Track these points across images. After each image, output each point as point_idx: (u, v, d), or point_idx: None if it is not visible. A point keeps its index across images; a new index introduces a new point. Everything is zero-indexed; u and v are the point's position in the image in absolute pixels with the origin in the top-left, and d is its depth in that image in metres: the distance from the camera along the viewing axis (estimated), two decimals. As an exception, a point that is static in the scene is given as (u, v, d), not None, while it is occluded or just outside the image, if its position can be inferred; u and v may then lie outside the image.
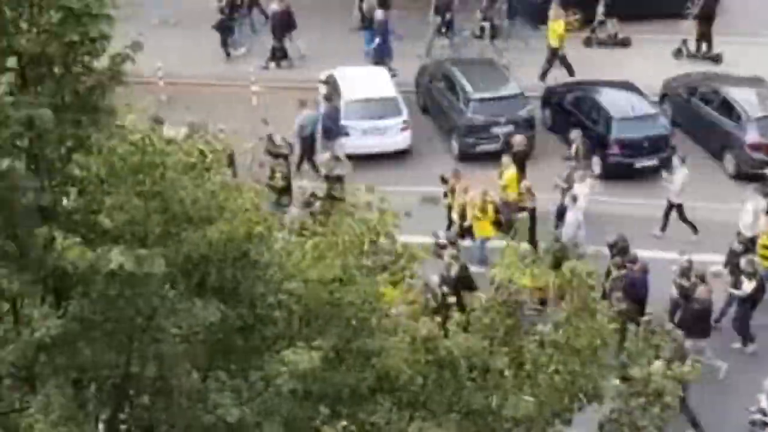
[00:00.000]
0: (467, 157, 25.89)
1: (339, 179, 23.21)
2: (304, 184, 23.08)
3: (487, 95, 26.62)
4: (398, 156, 26.12)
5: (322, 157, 24.79)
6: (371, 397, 10.93)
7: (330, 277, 10.64)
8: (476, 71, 27.86)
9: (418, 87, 28.37)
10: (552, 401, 11.87)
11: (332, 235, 11.08)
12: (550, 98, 27.66)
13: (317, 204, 20.66)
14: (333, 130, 25.70)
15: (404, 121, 26.43)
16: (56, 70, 10.39)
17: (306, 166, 25.22)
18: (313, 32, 29.51)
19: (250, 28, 30.26)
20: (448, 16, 29.88)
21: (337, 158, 24.18)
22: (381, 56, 28.91)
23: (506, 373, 11.62)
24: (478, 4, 30.41)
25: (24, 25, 10.30)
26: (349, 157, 25.04)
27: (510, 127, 25.89)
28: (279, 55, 29.14)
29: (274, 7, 29.29)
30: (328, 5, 31.02)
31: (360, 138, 26.08)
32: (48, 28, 10.26)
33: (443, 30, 29.84)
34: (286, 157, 24.03)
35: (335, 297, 10.64)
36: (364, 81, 27.27)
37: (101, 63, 10.48)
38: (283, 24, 29.11)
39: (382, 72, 27.76)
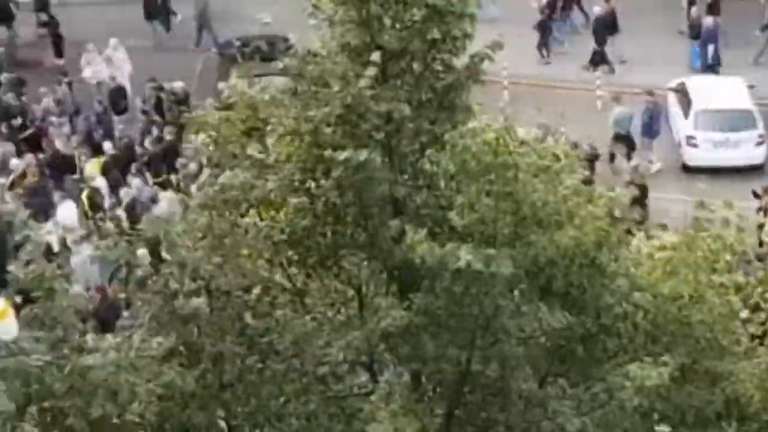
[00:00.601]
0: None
1: (643, 187, 22.88)
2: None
3: None
4: (751, 171, 25.40)
5: (627, 162, 24.53)
6: (716, 422, 10.85)
7: (681, 293, 10.63)
8: None
9: (777, 99, 27.45)
10: None
11: (687, 250, 11.04)
12: None
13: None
14: (652, 129, 25.51)
15: (760, 135, 25.71)
16: (416, 66, 11.01)
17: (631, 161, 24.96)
18: (638, 36, 29.14)
19: (570, 28, 30.32)
20: None
21: (637, 168, 23.81)
22: (709, 65, 28.26)
23: None
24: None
25: (388, 22, 10.98)
26: (698, 169, 24.57)
27: None
28: (597, 59, 29.05)
29: (597, 9, 29.22)
30: (654, 8, 30.54)
31: (710, 150, 25.60)
32: (411, 25, 10.89)
33: None
34: (591, 161, 23.92)
35: (684, 314, 10.63)
36: (718, 91, 26.73)
37: (460, 61, 10.99)
38: (607, 27, 28.99)
39: (738, 83, 27.10)
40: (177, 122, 26.17)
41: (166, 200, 23.47)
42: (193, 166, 24.02)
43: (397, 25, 10.95)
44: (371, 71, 10.64)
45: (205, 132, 11.73)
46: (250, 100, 11.57)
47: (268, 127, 11.40)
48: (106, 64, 28.19)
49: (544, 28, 29.70)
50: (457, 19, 10.81)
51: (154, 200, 23.77)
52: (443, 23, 10.78)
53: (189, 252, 10.80)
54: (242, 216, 11.31)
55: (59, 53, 30.33)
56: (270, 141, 11.34)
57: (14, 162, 25.30)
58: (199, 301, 10.66)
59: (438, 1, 10.70)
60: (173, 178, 24.45)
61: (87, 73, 28.28)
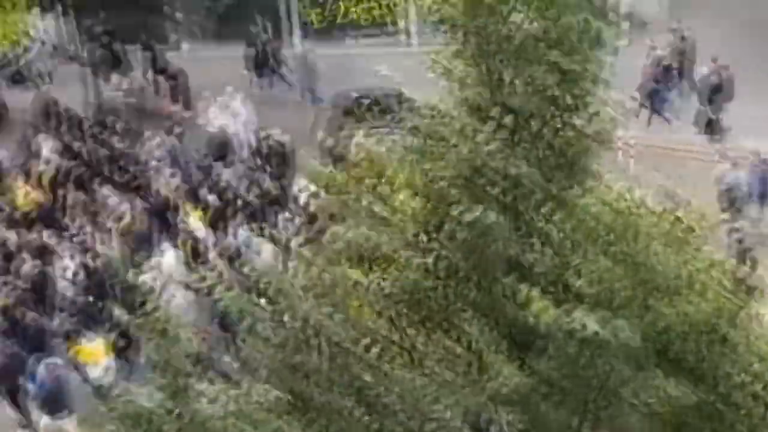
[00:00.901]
0: None
1: (746, 251, 22.40)
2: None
3: None
4: None
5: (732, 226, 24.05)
6: None
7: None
8: None
9: None
10: None
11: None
12: None
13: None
14: (764, 194, 25.08)
15: None
16: (540, 127, 10.85)
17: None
18: (748, 98, 28.63)
19: (680, 93, 30.03)
20: None
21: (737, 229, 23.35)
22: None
23: None
24: None
25: (517, 83, 10.83)
26: None
27: None
28: (705, 122, 28.66)
29: (704, 70, 28.79)
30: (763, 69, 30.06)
31: None
32: (541, 88, 10.74)
33: None
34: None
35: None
36: None
37: (590, 125, 10.81)
38: (714, 89, 28.58)
39: None
40: (280, 172, 26.51)
41: (267, 250, 23.66)
42: (289, 216, 24.23)
43: (525, 86, 10.81)
44: (500, 133, 10.49)
45: (325, 184, 11.66)
46: (374, 156, 11.50)
47: (389, 182, 11.32)
48: (223, 113, 28.66)
49: (652, 93, 29.47)
50: (588, 83, 10.66)
51: (255, 250, 23.98)
52: (575, 87, 10.61)
53: (304, 305, 10.73)
54: (360, 270, 11.22)
55: (179, 102, 30.96)
56: (390, 196, 11.26)
57: (120, 206, 25.75)
58: (312, 354, 10.60)
59: (569, 64, 10.54)
60: (274, 229, 24.64)
61: (203, 121, 28.73)
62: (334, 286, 11.15)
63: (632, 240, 9.96)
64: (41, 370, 20.98)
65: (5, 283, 23.42)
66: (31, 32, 18.20)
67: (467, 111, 10.95)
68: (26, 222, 25.96)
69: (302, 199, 24.91)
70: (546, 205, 10.76)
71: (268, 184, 25.89)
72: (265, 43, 31.84)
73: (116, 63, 31.61)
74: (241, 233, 24.50)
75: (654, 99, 29.40)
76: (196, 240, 24.50)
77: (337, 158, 12.45)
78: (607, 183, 10.84)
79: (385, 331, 11.39)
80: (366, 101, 26.40)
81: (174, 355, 10.64)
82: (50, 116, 30.18)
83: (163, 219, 25.59)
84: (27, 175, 27.53)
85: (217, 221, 25.17)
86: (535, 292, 10.01)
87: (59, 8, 29.00)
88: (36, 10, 30.33)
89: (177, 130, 28.15)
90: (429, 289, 11.00)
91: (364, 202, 11.30)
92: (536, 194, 10.83)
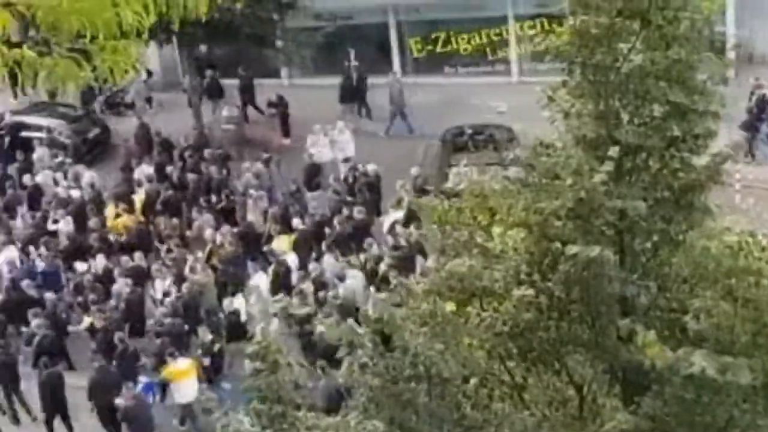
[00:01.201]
0: None
1: None
2: None
3: None
4: None
5: None
6: None
7: None
8: None
9: None
10: None
11: None
12: None
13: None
14: None
15: None
16: (653, 163, 10.51)
17: None
18: None
19: None
20: None
21: None
22: None
23: None
24: None
25: (626, 117, 10.52)
26: None
27: None
28: None
29: None
30: None
31: None
32: (650, 121, 10.41)
33: None
34: None
35: None
36: None
37: (700, 160, 10.45)
38: None
39: None
40: (370, 203, 26.27)
41: (354, 278, 23.39)
42: (375, 248, 23.96)
43: (636, 120, 10.48)
44: (607, 166, 10.15)
45: (436, 218, 11.34)
46: (480, 189, 11.20)
47: (497, 217, 11.01)
48: (330, 146, 28.51)
49: (751, 128, 28.69)
50: (699, 117, 10.30)
51: (341, 278, 23.70)
52: (685, 121, 10.28)
53: (412, 337, 10.43)
54: (465, 305, 10.89)
55: (286, 133, 30.87)
56: (497, 231, 10.94)
57: (212, 232, 25.66)
58: (420, 387, 10.29)
59: (681, 98, 10.21)
60: (362, 257, 24.35)
61: (311, 153, 28.58)
62: (445, 320, 10.85)
63: (754, 283, 9.51)
64: (126, 391, 20.93)
65: (101, 309, 23.45)
66: (141, 62, 18.24)
67: (583, 148, 10.61)
68: (121, 246, 26.02)
69: (388, 227, 24.66)
70: (662, 245, 10.38)
71: (357, 213, 25.64)
72: (355, 75, 31.68)
73: (219, 93, 31.67)
74: (329, 261, 24.26)
75: (754, 135, 28.56)
76: (284, 266, 24.31)
77: (447, 194, 12.06)
78: (726, 223, 10.43)
79: (494, 369, 11.06)
80: (479, 137, 25.97)
81: (279, 383, 10.40)
82: (147, 143, 30.30)
83: (253, 245, 25.46)
84: (123, 200, 27.61)
85: (305, 248, 24.96)
86: (651, 334, 9.61)
87: (166, 38, 29.00)
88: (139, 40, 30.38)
89: (271, 157, 28.08)
90: (540, 327, 10.65)
91: (477, 238, 10.99)
92: (654, 234, 10.47)
